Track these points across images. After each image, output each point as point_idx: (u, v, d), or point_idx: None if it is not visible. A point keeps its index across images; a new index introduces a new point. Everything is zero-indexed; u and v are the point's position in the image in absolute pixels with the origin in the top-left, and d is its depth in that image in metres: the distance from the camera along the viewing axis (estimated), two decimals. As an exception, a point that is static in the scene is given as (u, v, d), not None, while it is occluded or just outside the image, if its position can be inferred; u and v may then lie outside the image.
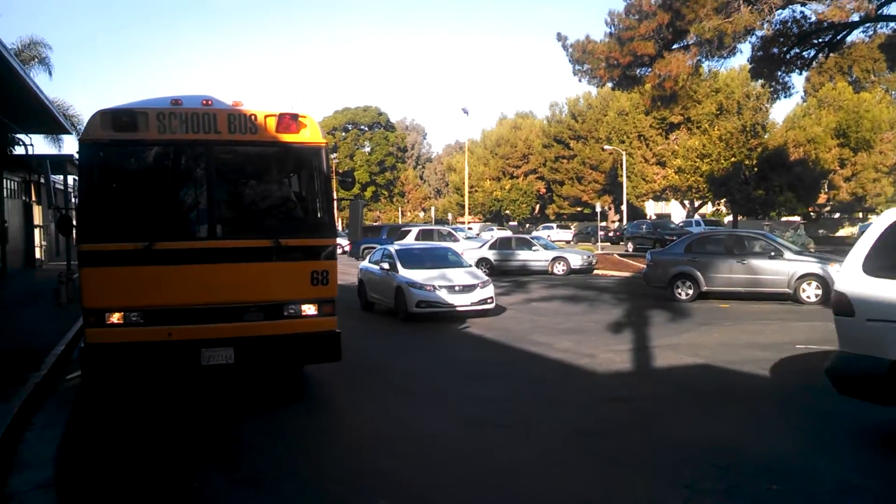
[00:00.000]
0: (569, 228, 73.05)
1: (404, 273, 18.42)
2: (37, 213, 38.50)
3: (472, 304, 17.99)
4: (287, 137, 10.03)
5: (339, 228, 43.11)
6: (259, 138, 9.93)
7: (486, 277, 19.20)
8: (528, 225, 77.81)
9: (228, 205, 10.13)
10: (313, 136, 10.18)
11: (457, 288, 17.98)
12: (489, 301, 18.36)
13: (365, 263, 21.47)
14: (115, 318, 9.32)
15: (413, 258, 19.50)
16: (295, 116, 10.05)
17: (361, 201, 13.18)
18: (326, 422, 9.66)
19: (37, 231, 38.54)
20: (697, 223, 50.63)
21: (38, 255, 38.21)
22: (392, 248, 20.26)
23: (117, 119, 9.41)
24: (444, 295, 17.81)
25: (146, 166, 10.22)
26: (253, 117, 9.84)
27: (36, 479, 7.33)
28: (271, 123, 9.90)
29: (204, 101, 9.77)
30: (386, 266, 19.16)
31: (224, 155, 10.01)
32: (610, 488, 6.82)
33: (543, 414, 9.66)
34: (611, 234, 62.11)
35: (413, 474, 7.33)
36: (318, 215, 10.42)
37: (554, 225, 73.46)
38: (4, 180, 31.64)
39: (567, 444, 8.31)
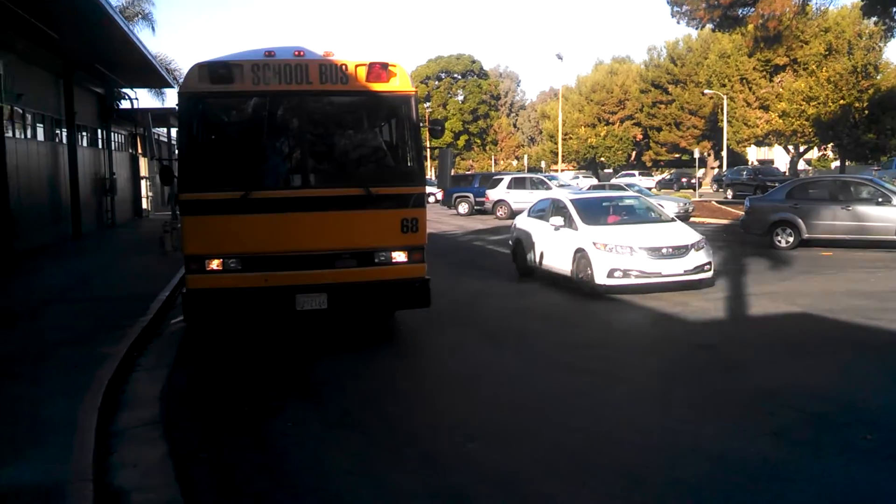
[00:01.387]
0: (651, 176, 71.41)
1: (586, 230, 14.50)
2: (143, 165, 40.08)
3: (686, 273, 13.83)
4: (377, 86, 10.10)
5: (429, 177, 43.28)
6: (350, 88, 10.05)
7: (700, 236, 14.57)
8: (621, 172, 76.27)
9: (321, 154, 10.34)
10: (403, 85, 10.22)
11: (664, 251, 13.83)
12: (706, 268, 14.12)
13: (523, 218, 17.76)
14: (215, 264, 9.68)
15: (597, 209, 15.67)
16: (385, 65, 10.09)
17: (451, 150, 13.20)
18: (415, 365, 9.93)
19: (143, 182, 40.16)
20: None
21: (144, 205, 39.84)
22: (566, 198, 16.37)
23: (214, 71, 9.66)
24: (645, 260, 13.72)
25: (242, 117, 10.49)
26: (343, 67, 9.95)
27: (142, 417, 7.75)
28: (361, 73, 9.99)
29: (296, 52, 9.94)
30: (559, 221, 15.23)
31: (316, 105, 10.19)
32: (696, 434, 6.76)
33: (630, 360, 9.67)
34: (692, 180, 59.95)
35: (497, 418, 7.47)
36: (408, 164, 10.52)
37: (636, 172, 72.02)
38: (112, 134, 33.01)
39: (653, 390, 8.30)
